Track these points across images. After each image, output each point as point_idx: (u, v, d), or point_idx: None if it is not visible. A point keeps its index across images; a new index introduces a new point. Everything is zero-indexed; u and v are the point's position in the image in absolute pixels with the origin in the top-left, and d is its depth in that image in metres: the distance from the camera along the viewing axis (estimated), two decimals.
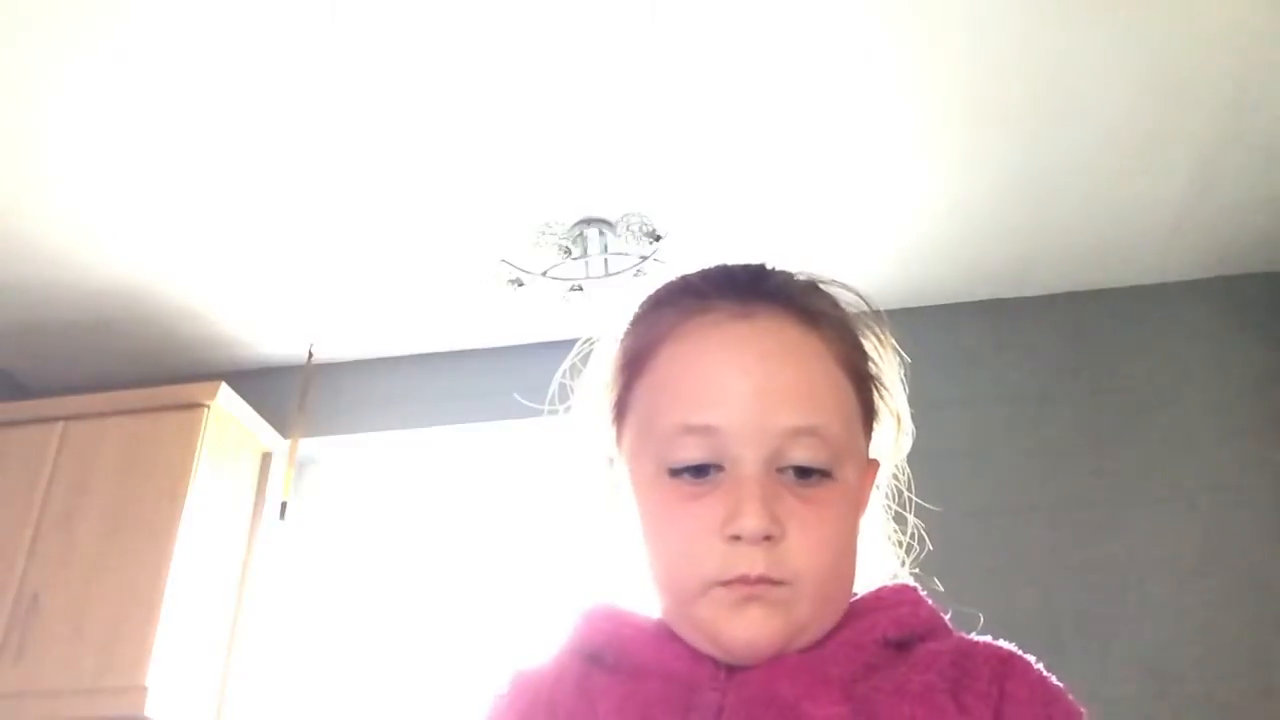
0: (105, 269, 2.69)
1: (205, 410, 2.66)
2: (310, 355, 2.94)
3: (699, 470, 0.63)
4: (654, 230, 2.54)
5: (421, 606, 2.73)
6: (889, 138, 2.32)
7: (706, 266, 0.73)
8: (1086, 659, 2.30)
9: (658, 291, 0.73)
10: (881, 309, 0.75)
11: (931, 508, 0.81)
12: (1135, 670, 2.29)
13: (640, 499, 0.66)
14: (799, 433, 0.63)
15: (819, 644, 0.63)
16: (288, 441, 2.87)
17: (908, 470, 0.78)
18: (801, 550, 0.62)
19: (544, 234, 2.56)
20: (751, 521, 0.60)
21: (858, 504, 0.68)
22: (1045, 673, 0.63)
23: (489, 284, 2.71)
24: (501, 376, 2.84)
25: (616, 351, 0.72)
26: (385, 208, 2.50)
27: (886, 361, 0.74)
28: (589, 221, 2.53)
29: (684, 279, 0.72)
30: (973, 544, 2.40)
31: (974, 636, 0.66)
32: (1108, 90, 2.19)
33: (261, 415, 2.86)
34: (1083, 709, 0.61)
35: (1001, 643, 0.65)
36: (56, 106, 2.20)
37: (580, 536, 0.77)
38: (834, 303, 0.71)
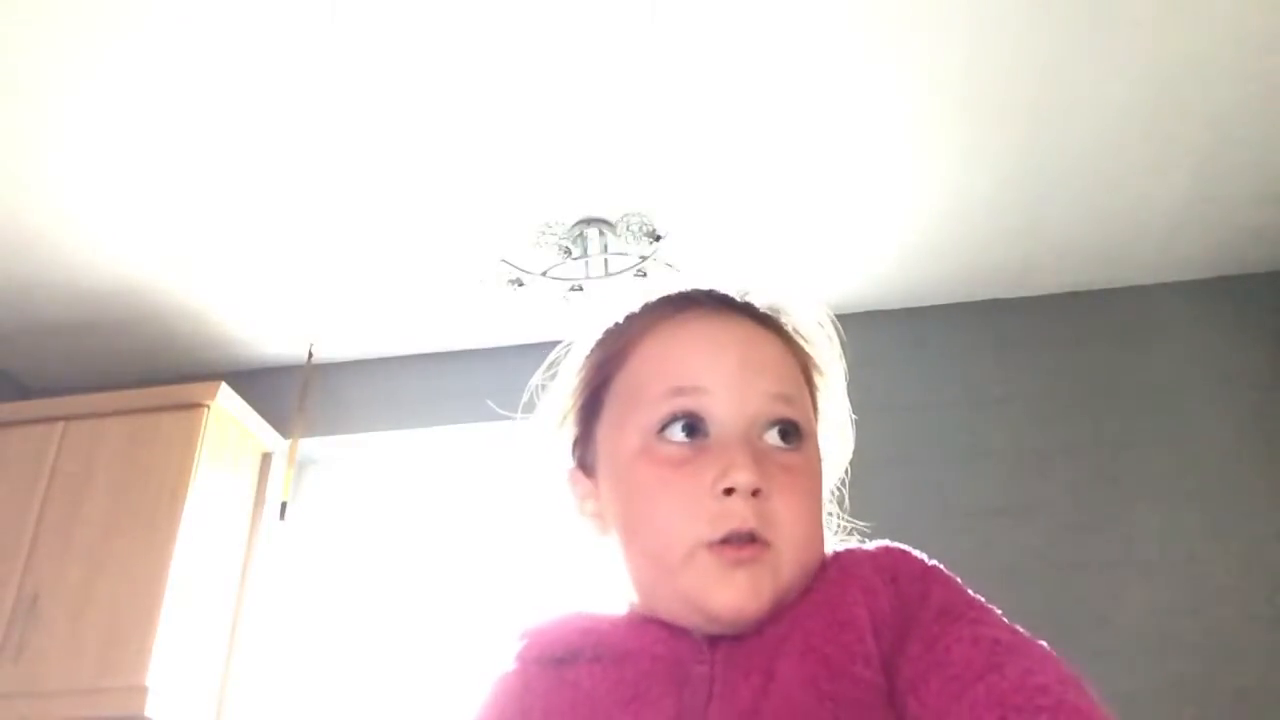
0: (105, 269, 2.69)
1: (205, 410, 2.66)
2: (310, 355, 2.95)
3: (689, 429, 0.66)
4: (654, 230, 2.54)
5: (421, 606, 2.73)
6: (889, 138, 2.32)
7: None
8: (1086, 659, 2.30)
9: (629, 307, 0.76)
10: (836, 322, 0.80)
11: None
12: (1135, 670, 2.29)
13: (625, 478, 0.68)
14: (779, 398, 0.68)
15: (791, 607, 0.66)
16: (288, 441, 2.87)
17: (846, 480, 0.81)
18: (785, 512, 0.64)
19: (544, 234, 2.56)
20: (744, 474, 0.63)
21: (820, 479, 0.71)
22: (937, 567, 0.67)
23: (489, 284, 2.71)
24: (501, 376, 2.84)
25: (588, 358, 0.75)
26: (385, 208, 2.50)
27: (833, 374, 0.79)
28: (589, 221, 2.53)
29: (656, 295, 0.77)
30: (972, 544, 2.40)
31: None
32: (1108, 90, 2.19)
33: (261, 415, 2.86)
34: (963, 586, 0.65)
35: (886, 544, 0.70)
36: (56, 107, 2.20)
37: (544, 542, 0.79)
38: (792, 320, 0.77)
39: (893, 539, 0.75)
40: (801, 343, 0.76)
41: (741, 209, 2.51)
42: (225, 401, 2.71)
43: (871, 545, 0.71)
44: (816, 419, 0.75)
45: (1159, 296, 2.75)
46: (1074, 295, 2.79)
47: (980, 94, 2.21)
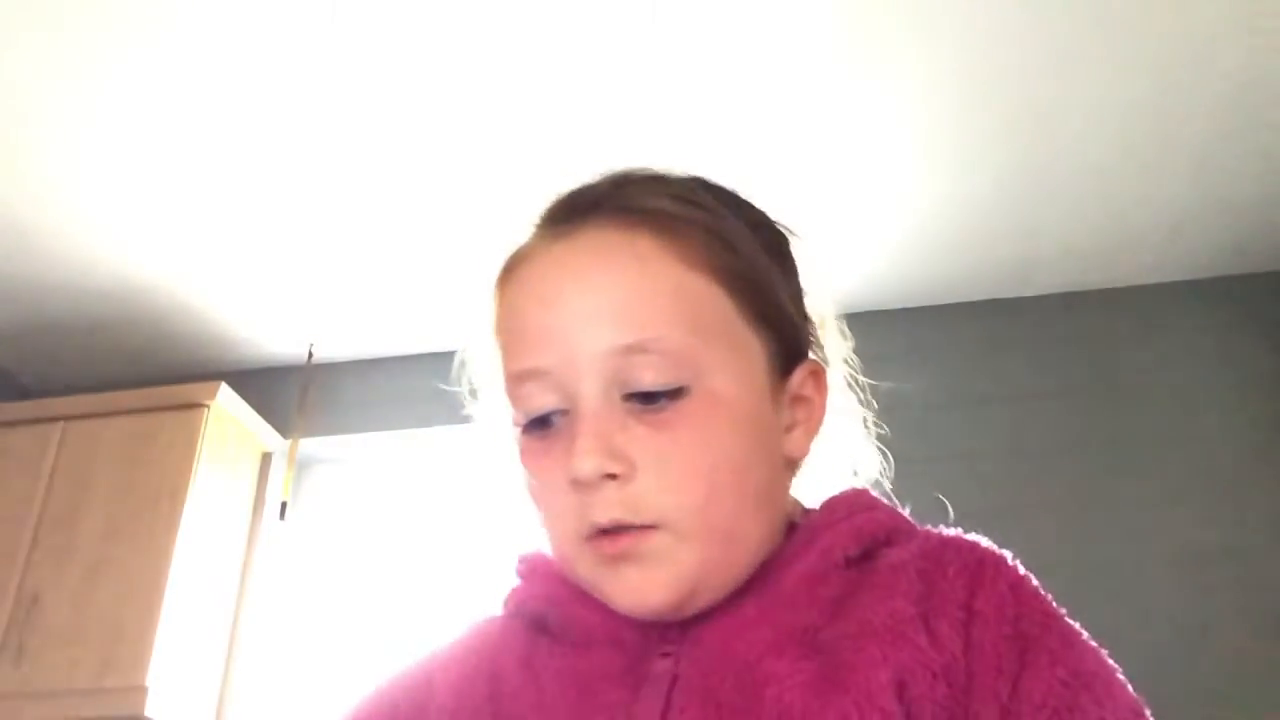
0: (105, 269, 2.69)
1: (205, 410, 2.66)
2: (310, 355, 2.94)
3: (544, 420, 0.58)
4: None
5: (421, 606, 2.72)
6: (887, 138, 2.32)
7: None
8: None
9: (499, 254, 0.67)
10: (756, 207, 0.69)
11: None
12: (1134, 671, 2.29)
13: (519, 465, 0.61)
14: (629, 351, 0.55)
15: (776, 582, 0.57)
16: (288, 441, 2.87)
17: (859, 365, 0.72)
18: (659, 485, 0.55)
19: None
20: (580, 461, 0.54)
21: (748, 417, 0.58)
22: (1020, 573, 0.55)
23: (489, 283, 2.71)
24: None
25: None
26: (385, 208, 2.50)
27: (777, 262, 0.65)
28: None
29: (507, 238, 0.67)
30: None
31: (942, 530, 0.60)
32: (1108, 90, 2.19)
33: (261, 415, 2.86)
34: (1063, 614, 0.54)
35: (972, 537, 0.58)
36: (56, 107, 2.20)
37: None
38: (681, 197, 0.62)
39: (868, 439, 0.70)
40: (691, 229, 0.60)
41: None
42: (225, 401, 2.71)
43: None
44: (758, 319, 0.60)
45: (1159, 296, 2.75)
46: (1074, 295, 2.79)
47: (980, 94, 2.21)
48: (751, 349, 0.60)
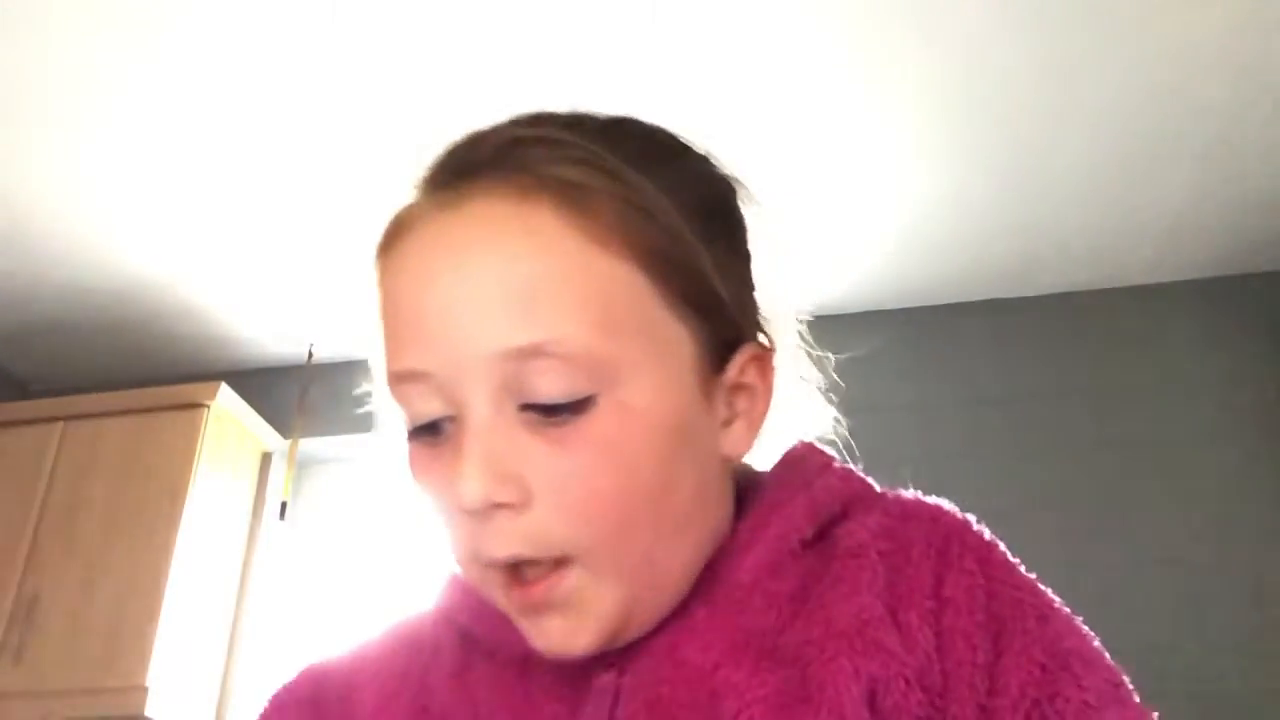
0: (106, 269, 2.69)
1: (205, 410, 2.66)
2: (310, 355, 2.94)
3: (432, 427, 0.49)
4: None
5: (421, 606, 2.72)
6: (888, 138, 2.32)
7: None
8: None
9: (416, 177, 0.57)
10: (706, 151, 0.60)
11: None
12: (1135, 670, 2.29)
13: None
14: (523, 355, 0.46)
15: (726, 579, 0.51)
16: (288, 441, 2.87)
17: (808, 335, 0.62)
18: (560, 515, 0.47)
19: None
20: (465, 487, 0.46)
21: (670, 426, 0.49)
22: (986, 542, 0.51)
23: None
24: None
25: None
26: (386, 208, 2.50)
27: (719, 225, 0.55)
28: None
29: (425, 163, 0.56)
30: None
31: (901, 495, 0.55)
32: (1108, 90, 2.19)
33: (261, 415, 2.86)
34: (1033, 583, 0.51)
35: (934, 503, 0.54)
36: (56, 107, 2.20)
37: None
38: (587, 159, 0.50)
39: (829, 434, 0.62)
40: (602, 195, 0.49)
41: None
42: (225, 401, 2.71)
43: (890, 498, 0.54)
44: (675, 306, 0.50)
45: (1159, 296, 2.75)
46: (1074, 295, 2.79)
47: (980, 94, 2.20)
48: (676, 342, 0.50)
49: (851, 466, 0.57)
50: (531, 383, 0.46)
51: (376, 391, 0.56)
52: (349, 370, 3.07)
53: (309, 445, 2.92)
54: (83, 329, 2.93)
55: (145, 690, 2.32)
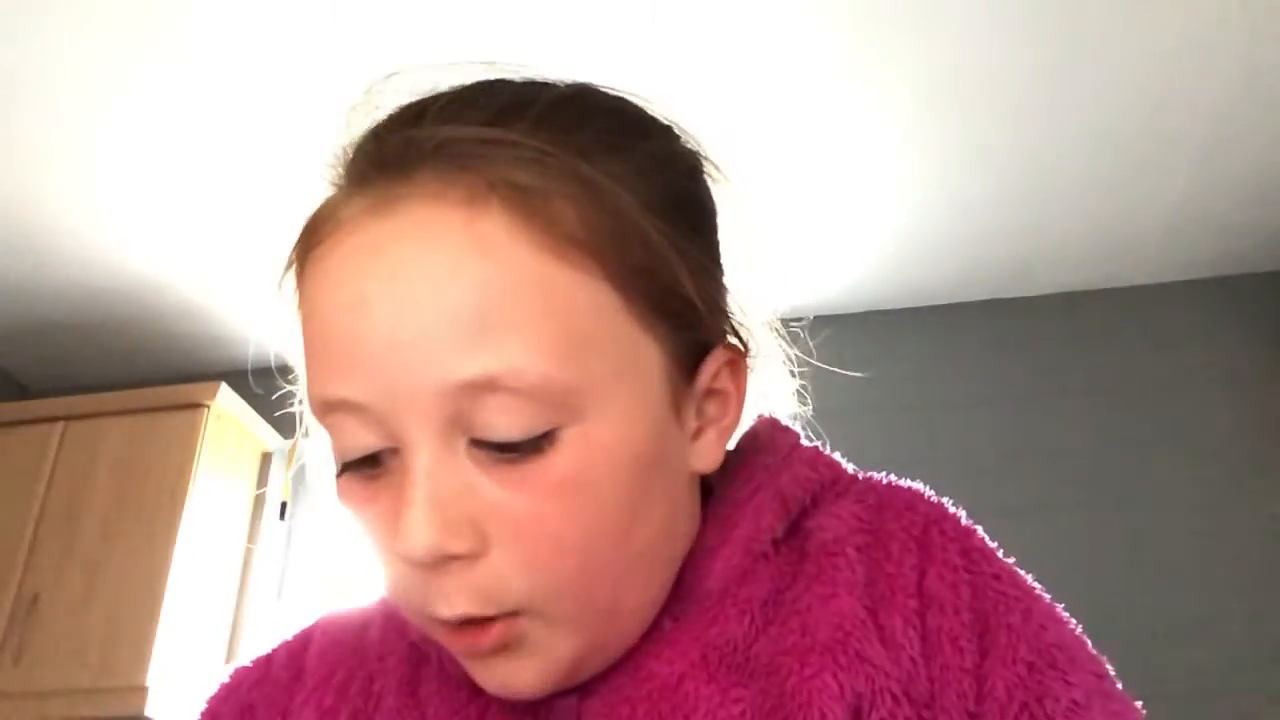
0: (106, 269, 2.69)
1: (205, 410, 2.66)
2: None
3: (371, 459, 0.44)
4: None
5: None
6: (887, 138, 2.32)
7: (387, 110, 0.50)
8: None
9: (338, 160, 0.51)
10: (671, 125, 0.54)
11: None
12: (1135, 671, 2.29)
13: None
14: (475, 389, 0.40)
15: (694, 587, 0.48)
16: (288, 441, 2.87)
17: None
18: (517, 565, 0.42)
19: None
20: (411, 539, 0.41)
21: (637, 458, 0.44)
22: (966, 529, 0.48)
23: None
24: None
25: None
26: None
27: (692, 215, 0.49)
28: None
29: (353, 142, 0.50)
30: None
31: (874, 480, 0.52)
32: (1107, 90, 2.19)
33: (261, 415, 2.86)
34: (1014, 571, 0.48)
35: (909, 488, 0.51)
36: (56, 107, 2.20)
37: None
38: (542, 149, 0.44)
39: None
40: (565, 203, 0.43)
41: None
42: (225, 401, 2.70)
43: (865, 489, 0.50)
44: (643, 317, 0.44)
45: (1159, 296, 2.75)
46: (1074, 295, 2.79)
47: (980, 94, 2.20)
48: (645, 358, 0.45)
49: (818, 445, 0.53)
50: (484, 419, 0.41)
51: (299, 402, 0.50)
52: None
53: (309, 445, 2.92)
54: (83, 329, 2.93)
55: (145, 690, 2.32)
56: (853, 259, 2.68)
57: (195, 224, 2.54)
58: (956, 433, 2.62)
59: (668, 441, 0.46)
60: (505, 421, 0.41)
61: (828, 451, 0.54)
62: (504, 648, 0.43)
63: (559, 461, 0.41)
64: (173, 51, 2.08)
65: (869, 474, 0.53)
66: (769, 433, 0.54)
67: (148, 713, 2.32)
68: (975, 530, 0.49)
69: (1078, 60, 2.12)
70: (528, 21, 2.03)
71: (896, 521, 0.48)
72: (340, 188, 0.48)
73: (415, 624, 0.48)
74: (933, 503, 0.50)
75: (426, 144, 0.45)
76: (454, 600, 0.42)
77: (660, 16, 2.01)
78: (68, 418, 2.69)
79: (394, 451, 0.43)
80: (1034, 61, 2.13)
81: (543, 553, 0.42)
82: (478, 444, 0.42)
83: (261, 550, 2.81)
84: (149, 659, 2.35)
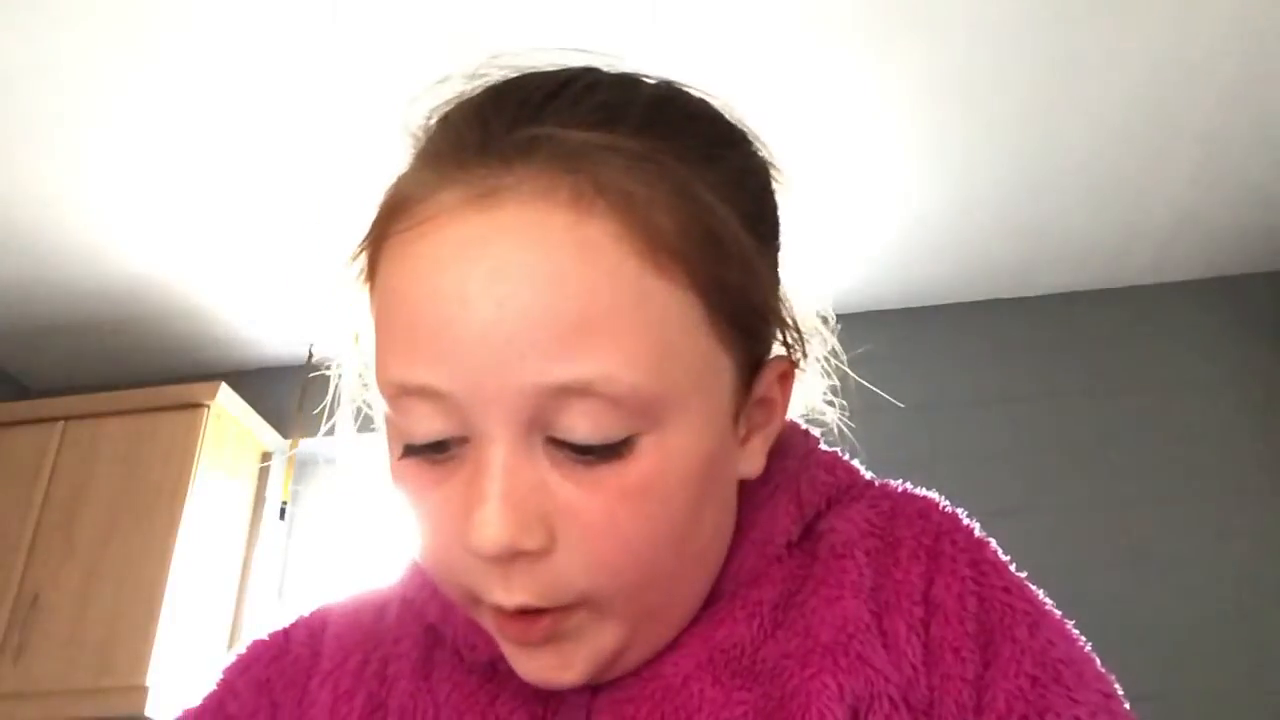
0: (106, 269, 2.69)
1: (205, 410, 2.66)
2: (310, 355, 2.94)
3: (438, 445, 0.44)
4: None
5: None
6: (888, 138, 2.32)
7: (498, 81, 0.49)
8: None
9: (426, 134, 0.51)
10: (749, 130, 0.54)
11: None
12: (1135, 671, 2.29)
13: (390, 469, 0.48)
14: (564, 393, 0.41)
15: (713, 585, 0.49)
16: (288, 441, 2.87)
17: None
18: (582, 564, 0.43)
19: None
20: (488, 533, 0.41)
21: (704, 468, 0.45)
22: (978, 541, 0.48)
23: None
24: None
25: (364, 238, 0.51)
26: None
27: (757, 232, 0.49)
28: None
29: (445, 118, 0.50)
30: None
31: (888, 487, 0.52)
32: (1108, 90, 2.19)
33: (261, 415, 2.86)
34: (1025, 586, 0.48)
35: (922, 495, 0.51)
36: (56, 107, 2.20)
37: None
38: (646, 154, 0.44)
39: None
40: (668, 215, 0.43)
41: None
42: (225, 401, 2.71)
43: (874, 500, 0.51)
44: (723, 331, 0.45)
45: (1159, 296, 2.75)
46: (1074, 295, 2.79)
47: (980, 94, 2.20)
48: (720, 370, 0.46)
49: (836, 451, 0.54)
50: (567, 421, 0.41)
51: (351, 382, 0.51)
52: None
53: (309, 445, 2.92)
54: (83, 329, 2.93)
55: (145, 690, 2.32)
56: (853, 259, 2.68)
57: (195, 224, 2.54)
58: (956, 432, 2.62)
59: (729, 450, 0.47)
60: (588, 425, 0.41)
61: (845, 457, 0.54)
62: (551, 638, 0.44)
63: (635, 468, 0.42)
64: (173, 52, 2.08)
65: (885, 480, 0.53)
66: (789, 435, 0.54)
67: (148, 712, 2.32)
68: (989, 543, 0.49)
69: (1078, 61, 2.12)
70: (528, 22, 2.02)
71: (908, 529, 0.49)
72: (429, 165, 0.47)
73: (454, 602, 0.49)
74: (946, 513, 0.50)
75: (533, 138, 0.44)
76: (515, 591, 0.43)
77: (660, 16, 2.01)
78: (68, 418, 2.70)
79: (463, 440, 0.43)
80: (1035, 62, 2.13)
81: (610, 554, 0.43)
82: (554, 442, 0.42)
83: (261, 550, 2.81)
84: (149, 659, 2.35)
